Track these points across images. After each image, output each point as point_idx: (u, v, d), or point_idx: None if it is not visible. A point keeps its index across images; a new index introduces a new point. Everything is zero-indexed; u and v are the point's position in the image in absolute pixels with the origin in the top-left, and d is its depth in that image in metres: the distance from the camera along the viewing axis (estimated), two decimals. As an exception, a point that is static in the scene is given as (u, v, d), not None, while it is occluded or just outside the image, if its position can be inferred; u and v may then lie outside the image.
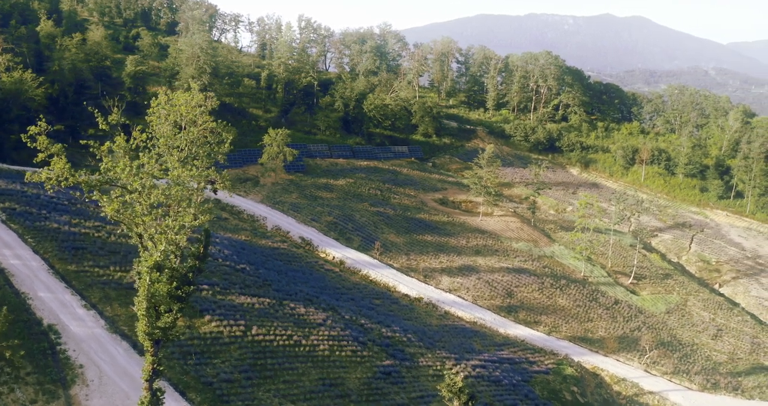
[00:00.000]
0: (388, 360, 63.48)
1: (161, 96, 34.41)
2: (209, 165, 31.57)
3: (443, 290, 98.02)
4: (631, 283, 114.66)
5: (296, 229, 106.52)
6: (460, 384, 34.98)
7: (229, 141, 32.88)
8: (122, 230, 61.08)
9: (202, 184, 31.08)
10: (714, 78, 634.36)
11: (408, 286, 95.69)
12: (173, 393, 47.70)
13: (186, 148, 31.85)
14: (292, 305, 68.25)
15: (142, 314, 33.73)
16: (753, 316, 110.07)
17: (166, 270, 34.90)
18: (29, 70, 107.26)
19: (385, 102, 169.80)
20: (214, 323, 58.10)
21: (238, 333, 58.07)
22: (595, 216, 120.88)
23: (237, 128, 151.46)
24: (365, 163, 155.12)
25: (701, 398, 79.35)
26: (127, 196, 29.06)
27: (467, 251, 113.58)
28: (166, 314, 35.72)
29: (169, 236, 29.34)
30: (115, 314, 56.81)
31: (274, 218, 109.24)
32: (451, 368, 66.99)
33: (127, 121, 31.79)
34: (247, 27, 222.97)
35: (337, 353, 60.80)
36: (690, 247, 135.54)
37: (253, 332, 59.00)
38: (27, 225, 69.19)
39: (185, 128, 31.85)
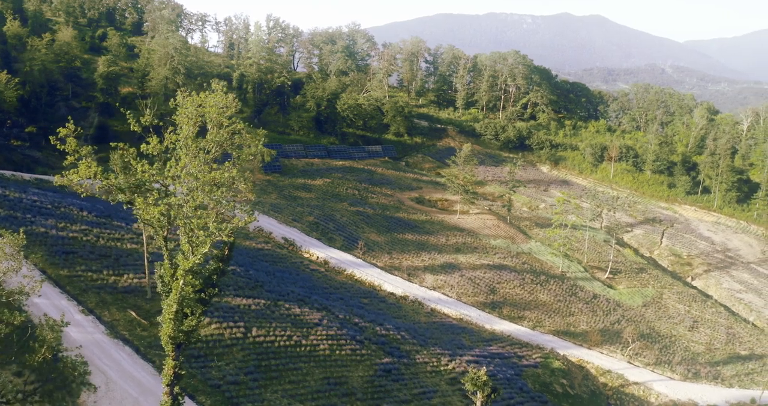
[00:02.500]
0: (386, 358, 64.06)
1: (180, 97, 34.24)
2: (242, 168, 31.71)
3: (427, 287, 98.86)
4: (607, 277, 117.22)
5: (278, 229, 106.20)
6: (484, 378, 35.74)
7: (261, 144, 33.07)
8: (149, 235, 60.42)
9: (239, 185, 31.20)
10: (671, 76, 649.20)
11: (393, 284, 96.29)
12: (182, 396, 47.43)
13: (213, 151, 31.89)
14: (287, 306, 68.29)
15: (170, 318, 33.59)
16: (726, 307, 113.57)
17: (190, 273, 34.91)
18: (5, 71, 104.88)
19: (359, 102, 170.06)
20: (214, 326, 57.92)
21: (238, 335, 58.00)
22: (571, 212, 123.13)
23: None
24: (340, 162, 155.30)
25: (684, 387, 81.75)
26: (172, 199, 29.01)
27: (448, 249, 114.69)
28: (190, 318, 35.67)
29: (218, 237, 29.37)
30: (113, 319, 56.22)
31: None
32: (447, 364, 67.97)
33: (160, 123, 31.58)
34: (214, 27, 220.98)
35: (337, 352, 61.16)
36: (661, 241, 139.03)
37: (254, 333, 58.99)
38: (13, 230, 67.63)
39: (211, 130, 31.86)
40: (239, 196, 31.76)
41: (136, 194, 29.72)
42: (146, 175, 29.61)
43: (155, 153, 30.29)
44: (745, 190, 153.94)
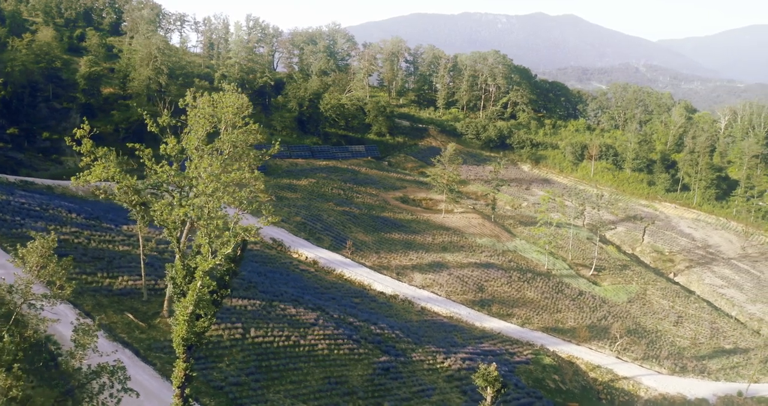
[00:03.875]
0: (383, 357, 64.38)
1: (189, 96, 34.29)
2: (255, 167, 31.83)
3: (416, 286, 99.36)
4: (592, 274, 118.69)
5: (266, 230, 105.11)
6: (495, 374, 36.26)
7: (278, 143, 33.15)
8: (145, 236, 59.87)
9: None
10: (645, 74, 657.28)
11: (382, 284, 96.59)
12: (186, 398, 47.27)
13: (227, 151, 31.98)
14: (282, 306, 68.24)
15: (185, 319, 33.57)
16: (708, 303, 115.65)
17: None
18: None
19: (342, 102, 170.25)
20: (213, 327, 57.62)
21: (237, 336, 57.85)
22: (557, 210, 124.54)
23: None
24: (324, 163, 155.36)
25: (672, 381, 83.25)
26: (195, 200, 28.99)
27: (435, 248, 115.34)
28: (202, 319, 35.68)
29: (243, 237, 29.48)
30: (111, 322, 55.72)
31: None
32: (443, 362, 68.54)
33: (178, 124, 31.52)
34: (193, 27, 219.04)
35: (336, 351, 61.33)
36: (643, 238, 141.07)
37: (252, 334, 58.88)
38: (3, 233, 66.81)
39: (225, 130, 31.94)
40: (263, 197, 31.89)
41: (154, 196, 29.71)
42: (164, 175, 29.59)
43: (173, 154, 30.24)
44: (723, 188, 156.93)
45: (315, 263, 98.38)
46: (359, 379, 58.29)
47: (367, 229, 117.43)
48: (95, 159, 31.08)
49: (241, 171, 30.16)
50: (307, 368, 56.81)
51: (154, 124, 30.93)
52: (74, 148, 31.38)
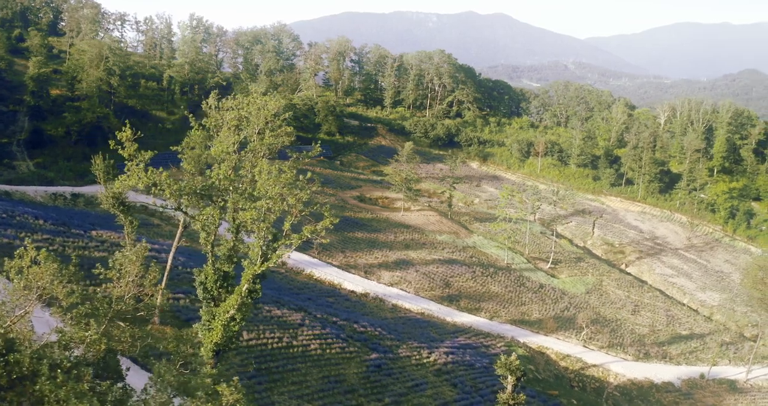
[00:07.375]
0: (373, 354, 65.33)
1: (211, 98, 34.49)
2: (297, 168, 32.28)
3: (385, 284, 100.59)
4: (549, 267, 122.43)
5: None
6: (517, 363, 37.82)
7: (318, 144, 33.67)
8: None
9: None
10: (574, 72, 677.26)
11: (352, 282, 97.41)
12: None
13: (262, 153, 32.38)
14: (266, 308, 68.21)
15: (223, 324, 33.69)
16: (661, 291, 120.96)
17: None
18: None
19: (294, 101, 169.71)
20: (206, 331, 57.31)
21: (231, 339, 57.72)
22: (514, 206, 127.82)
23: (143, 132, 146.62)
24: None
25: (638, 366, 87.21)
26: (258, 203, 29.15)
27: (398, 246, 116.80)
28: (233, 322, 35.86)
29: (306, 238, 29.85)
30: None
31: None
32: (428, 357, 69.99)
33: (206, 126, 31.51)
34: (134, 26, 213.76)
35: (328, 351, 61.91)
36: (593, 231, 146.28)
37: (245, 337, 58.75)
38: (-26, 242, 64.51)
39: (262, 133, 32.26)
40: (321, 198, 32.28)
41: (203, 199, 29.77)
42: (218, 179, 29.69)
43: (219, 156, 30.38)
44: (666, 181, 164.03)
45: (283, 263, 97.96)
46: (355, 377, 59.09)
47: (329, 228, 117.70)
48: (138, 163, 30.85)
49: (291, 172, 30.62)
50: (304, 368, 57.23)
51: (201, 128, 31.02)
52: (119, 151, 31.00)
